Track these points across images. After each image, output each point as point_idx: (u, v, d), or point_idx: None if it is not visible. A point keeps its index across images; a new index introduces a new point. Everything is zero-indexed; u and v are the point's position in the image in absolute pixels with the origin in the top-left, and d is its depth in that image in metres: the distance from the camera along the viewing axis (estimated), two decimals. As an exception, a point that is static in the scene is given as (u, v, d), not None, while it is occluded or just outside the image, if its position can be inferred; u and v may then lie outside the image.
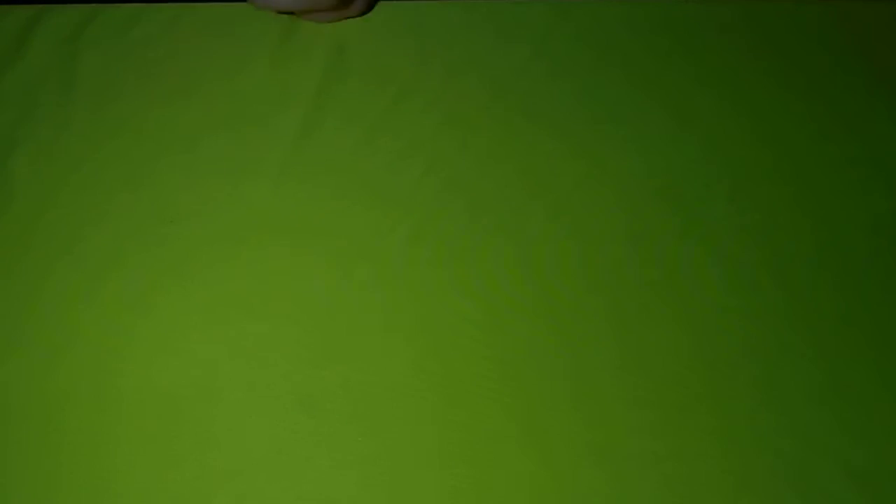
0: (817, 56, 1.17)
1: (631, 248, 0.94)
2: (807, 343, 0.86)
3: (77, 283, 0.91)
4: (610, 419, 0.81)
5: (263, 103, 1.11)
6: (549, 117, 1.09)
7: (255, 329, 0.88)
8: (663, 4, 1.25)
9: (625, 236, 0.95)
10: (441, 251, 0.94)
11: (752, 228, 0.96)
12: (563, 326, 0.88)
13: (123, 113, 1.10)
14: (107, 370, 0.85)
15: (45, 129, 1.07)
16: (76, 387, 0.83)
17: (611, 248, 0.94)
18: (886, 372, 0.85)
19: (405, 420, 0.81)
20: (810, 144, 1.06)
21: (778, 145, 1.06)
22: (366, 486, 0.77)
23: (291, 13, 1.15)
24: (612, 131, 1.07)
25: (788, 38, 1.20)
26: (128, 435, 0.80)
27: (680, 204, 0.99)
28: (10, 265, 0.93)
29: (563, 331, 0.87)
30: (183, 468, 0.78)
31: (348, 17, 1.16)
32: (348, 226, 0.97)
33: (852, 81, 1.14)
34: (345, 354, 0.86)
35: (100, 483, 0.77)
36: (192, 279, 0.92)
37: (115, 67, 1.16)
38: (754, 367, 0.85)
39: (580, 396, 0.83)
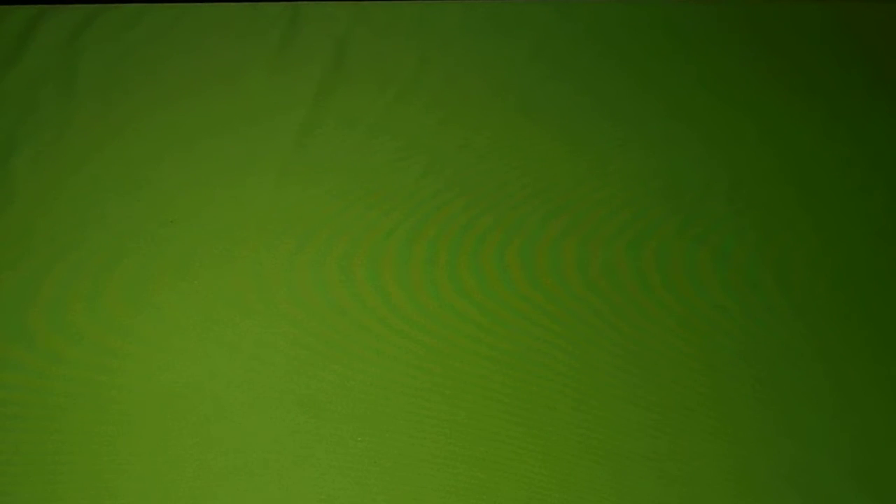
0: (817, 56, 1.17)
1: (631, 248, 0.94)
2: (807, 343, 0.86)
3: (77, 283, 0.91)
4: (610, 419, 0.81)
5: (263, 103, 1.11)
6: (549, 117, 1.09)
7: (255, 329, 0.87)
8: (663, 4, 1.25)
9: (625, 236, 0.95)
10: (441, 251, 0.94)
11: (752, 228, 0.96)
12: (563, 326, 0.87)
13: (124, 113, 1.10)
14: (107, 370, 0.84)
15: (45, 129, 1.07)
16: (76, 387, 0.83)
17: (611, 248, 0.94)
18: (886, 372, 0.85)
19: (405, 420, 0.81)
20: (810, 144, 1.06)
21: (778, 145, 1.06)
22: (366, 486, 0.77)
23: None
24: (612, 131, 1.07)
25: (788, 38, 1.20)
26: (128, 435, 0.80)
27: (680, 204, 0.99)
28: (10, 265, 0.93)
29: (563, 331, 0.87)
30: (183, 468, 0.78)
31: None
32: (348, 226, 0.97)
33: (852, 81, 1.14)
34: (345, 354, 0.86)
35: (100, 483, 0.77)
36: (191, 279, 0.91)
37: (115, 67, 1.16)
38: (754, 367, 0.85)
39: (580, 396, 0.83)
